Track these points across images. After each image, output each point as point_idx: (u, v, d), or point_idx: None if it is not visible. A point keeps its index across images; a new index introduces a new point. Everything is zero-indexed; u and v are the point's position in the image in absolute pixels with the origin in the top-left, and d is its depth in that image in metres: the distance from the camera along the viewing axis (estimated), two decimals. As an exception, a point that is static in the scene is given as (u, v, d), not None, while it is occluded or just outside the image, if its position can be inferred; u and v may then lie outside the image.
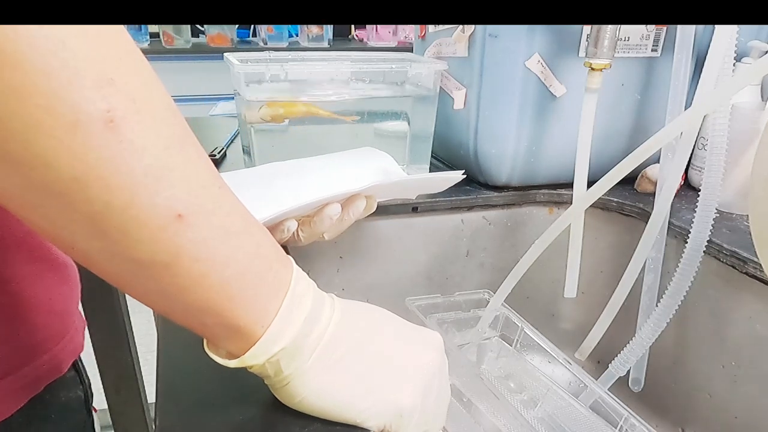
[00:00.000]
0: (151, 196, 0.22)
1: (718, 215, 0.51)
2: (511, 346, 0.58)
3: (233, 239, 0.25)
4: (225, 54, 0.60)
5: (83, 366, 0.48)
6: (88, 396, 0.48)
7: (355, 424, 0.30)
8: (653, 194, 0.58)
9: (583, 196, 0.51)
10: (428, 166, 0.67)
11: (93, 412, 0.49)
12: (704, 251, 0.52)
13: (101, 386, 0.91)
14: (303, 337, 0.28)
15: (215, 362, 0.28)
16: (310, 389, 0.29)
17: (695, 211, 0.52)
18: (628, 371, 0.57)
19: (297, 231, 0.46)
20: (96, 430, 0.50)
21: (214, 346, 0.29)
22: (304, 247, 0.49)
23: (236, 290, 0.26)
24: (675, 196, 0.56)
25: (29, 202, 0.22)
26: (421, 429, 0.33)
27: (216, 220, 0.25)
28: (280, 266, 0.28)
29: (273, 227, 0.45)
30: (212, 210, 0.25)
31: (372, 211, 0.50)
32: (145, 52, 0.24)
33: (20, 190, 0.21)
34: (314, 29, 2.40)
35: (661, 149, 0.57)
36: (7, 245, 0.38)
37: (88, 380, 0.49)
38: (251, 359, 0.27)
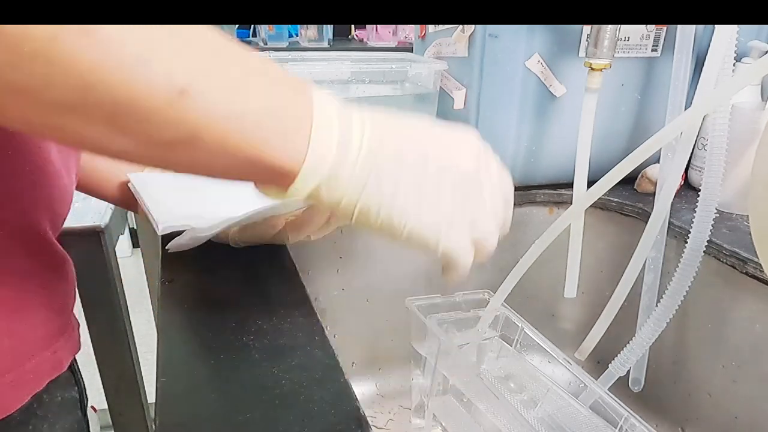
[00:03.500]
0: (150, 76, 0.22)
1: (718, 215, 0.51)
2: (511, 346, 0.58)
3: (242, 92, 0.26)
4: (225, 54, 0.60)
5: (78, 367, 0.48)
6: (83, 397, 0.48)
7: (409, 239, 0.30)
8: (653, 194, 0.58)
9: (583, 196, 0.50)
10: (428, 166, 0.67)
11: (93, 411, 0.49)
12: (704, 251, 0.52)
13: (101, 386, 0.90)
14: (338, 166, 0.28)
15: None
16: (359, 209, 0.29)
17: (695, 211, 0.52)
18: (628, 371, 0.57)
19: (283, 230, 0.46)
20: (91, 431, 0.50)
21: (261, 185, 0.30)
22: (304, 247, 0.49)
23: (260, 139, 0.26)
24: (675, 196, 0.56)
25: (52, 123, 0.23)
26: (468, 234, 0.32)
27: (225, 81, 0.25)
28: (299, 100, 0.28)
29: (261, 224, 0.45)
30: (219, 70, 0.25)
31: None
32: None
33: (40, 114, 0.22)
34: (314, 29, 2.40)
35: (661, 149, 0.57)
36: (7, 238, 0.38)
37: (83, 381, 0.49)
38: (294, 193, 0.29)
